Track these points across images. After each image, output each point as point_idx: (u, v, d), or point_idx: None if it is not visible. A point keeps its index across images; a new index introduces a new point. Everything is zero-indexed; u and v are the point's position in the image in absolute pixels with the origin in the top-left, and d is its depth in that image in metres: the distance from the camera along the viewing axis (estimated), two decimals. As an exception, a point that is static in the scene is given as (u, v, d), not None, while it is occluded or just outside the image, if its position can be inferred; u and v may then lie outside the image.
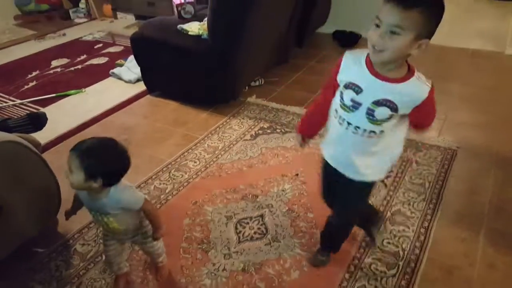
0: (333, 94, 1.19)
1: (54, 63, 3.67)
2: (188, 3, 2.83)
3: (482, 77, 3.04)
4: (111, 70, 3.33)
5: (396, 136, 1.17)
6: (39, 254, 1.69)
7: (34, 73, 3.46)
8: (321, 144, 1.33)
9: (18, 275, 1.60)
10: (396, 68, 1.04)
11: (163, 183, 2.06)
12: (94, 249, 1.70)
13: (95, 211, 1.29)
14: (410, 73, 1.05)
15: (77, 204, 1.38)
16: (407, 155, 2.18)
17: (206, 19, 2.49)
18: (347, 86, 1.11)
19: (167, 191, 2.01)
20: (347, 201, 1.36)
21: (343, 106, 1.13)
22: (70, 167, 1.16)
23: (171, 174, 2.13)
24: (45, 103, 2.94)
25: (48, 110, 2.62)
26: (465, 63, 3.31)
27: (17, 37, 4.42)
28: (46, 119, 2.08)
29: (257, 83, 3.04)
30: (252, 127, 2.51)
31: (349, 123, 1.13)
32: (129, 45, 2.86)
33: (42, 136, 2.03)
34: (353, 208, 1.41)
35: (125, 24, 4.66)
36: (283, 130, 2.46)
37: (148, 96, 2.98)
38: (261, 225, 1.78)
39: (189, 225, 1.79)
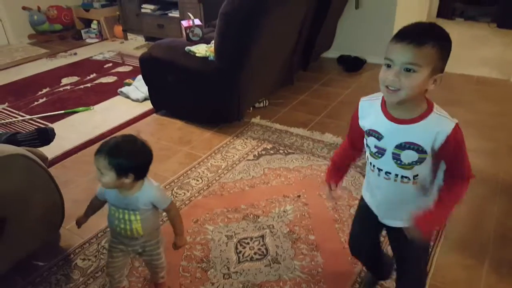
0: (362, 140, 1.16)
1: (64, 80, 3.75)
2: (197, 26, 2.90)
3: (487, 104, 3.06)
4: (119, 89, 3.39)
5: (431, 182, 1.11)
6: (39, 267, 1.69)
7: (44, 90, 3.53)
8: (363, 189, 1.29)
9: (17, 288, 1.60)
10: (414, 107, 1.01)
11: (166, 201, 2.07)
12: (94, 264, 1.70)
13: (123, 209, 1.30)
14: (429, 109, 1.02)
15: (91, 209, 1.40)
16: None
17: (213, 41, 2.55)
18: (369, 133, 1.09)
19: (169, 209, 2.01)
20: (406, 254, 1.23)
21: (371, 152, 1.11)
22: (99, 169, 1.20)
23: (173, 192, 2.14)
24: (54, 119, 2.99)
25: (56, 126, 2.67)
26: (470, 90, 3.33)
27: (29, 55, 4.55)
28: (54, 134, 2.11)
29: (261, 105, 3.08)
30: (256, 147, 2.53)
31: (379, 169, 1.10)
32: (138, 65, 2.93)
33: (50, 151, 2.06)
34: (415, 263, 1.25)
35: (135, 45, 4.77)
36: (286, 151, 2.47)
37: (154, 114, 3.02)
38: (262, 245, 1.77)
39: (189, 244, 1.79)
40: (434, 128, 1.00)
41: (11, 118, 3.02)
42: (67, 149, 2.56)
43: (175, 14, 4.42)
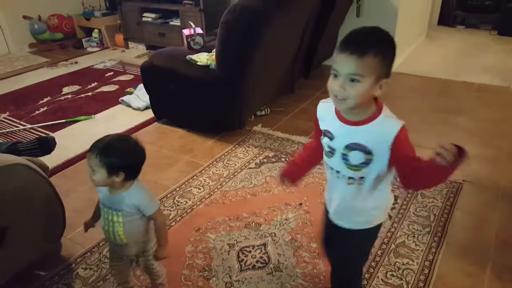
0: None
1: (65, 89, 3.76)
2: (198, 34, 2.92)
3: (488, 111, 3.06)
4: (121, 98, 3.40)
5: (380, 187, 1.13)
6: (41, 277, 1.68)
7: (45, 99, 3.54)
8: (326, 193, 1.32)
9: (18, 298, 1.59)
10: (363, 111, 1.04)
11: (167, 209, 2.07)
12: (96, 274, 1.69)
13: (108, 208, 1.29)
14: (377, 111, 1.05)
15: (98, 212, 1.39)
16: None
17: (214, 50, 2.56)
18: (324, 133, 1.13)
19: (170, 217, 2.01)
20: (342, 253, 1.31)
21: (325, 152, 1.15)
22: (91, 167, 1.21)
23: (175, 200, 2.13)
24: (55, 128, 3.00)
25: (57, 135, 2.68)
26: (471, 97, 3.34)
27: (30, 64, 4.57)
28: (55, 143, 2.12)
29: (263, 113, 3.08)
30: (257, 155, 2.53)
31: (331, 168, 1.15)
32: (139, 73, 2.94)
33: (50, 160, 2.06)
34: (349, 263, 1.32)
35: (136, 54, 4.79)
36: (288, 159, 2.47)
37: (155, 123, 3.03)
38: (264, 254, 1.77)
39: (191, 252, 1.79)
40: (382, 130, 1.03)
41: (12, 127, 3.02)
42: (68, 158, 2.56)
43: (176, 22, 4.45)
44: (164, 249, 1.37)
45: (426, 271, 1.66)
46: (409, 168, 1.06)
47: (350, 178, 1.11)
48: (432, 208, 2.02)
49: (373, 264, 1.70)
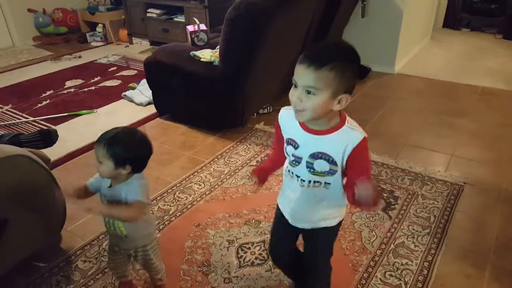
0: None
1: (68, 83, 3.77)
2: (202, 31, 2.92)
3: (491, 114, 3.06)
4: (123, 93, 3.41)
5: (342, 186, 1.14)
6: (40, 268, 1.68)
7: (48, 92, 3.55)
8: (279, 198, 1.32)
9: (18, 289, 1.60)
10: (325, 122, 1.04)
11: (168, 205, 2.07)
12: (95, 266, 1.70)
13: (109, 199, 1.29)
14: (341, 122, 1.05)
15: (83, 193, 1.33)
16: (413, 188, 2.17)
17: (218, 46, 2.56)
18: (288, 142, 1.13)
19: (170, 212, 2.02)
20: (313, 254, 1.34)
21: (290, 161, 1.14)
22: (98, 158, 1.21)
23: (175, 196, 2.14)
24: (57, 121, 3.00)
25: (59, 128, 2.69)
26: (474, 100, 3.34)
27: (34, 57, 4.57)
28: (57, 136, 2.12)
29: (265, 111, 3.08)
30: (259, 153, 2.53)
31: (297, 176, 1.14)
32: (143, 69, 2.94)
33: (52, 153, 2.07)
34: (321, 261, 1.36)
35: (140, 49, 4.79)
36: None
37: (158, 119, 3.03)
38: (263, 251, 1.77)
39: (190, 247, 1.79)
40: (345, 140, 1.04)
41: (15, 120, 3.03)
42: (70, 151, 2.57)
43: (180, 19, 4.45)
44: (105, 210, 1.29)
45: (425, 271, 1.66)
46: (355, 180, 1.05)
47: (316, 182, 1.11)
48: (432, 210, 2.01)
49: (372, 263, 1.70)
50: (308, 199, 1.17)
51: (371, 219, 1.95)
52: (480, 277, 1.65)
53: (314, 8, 2.89)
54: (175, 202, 2.09)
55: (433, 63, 4.19)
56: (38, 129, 2.75)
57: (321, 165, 1.07)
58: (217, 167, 2.39)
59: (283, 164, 1.24)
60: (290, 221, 1.26)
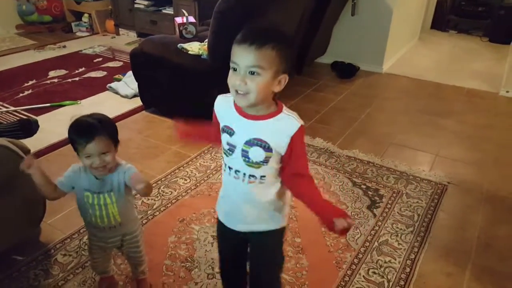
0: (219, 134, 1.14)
1: (52, 73, 3.69)
2: (190, 23, 2.88)
3: (476, 116, 3.10)
4: (109, 84, 3.35)
5: (281, 187, 1.11)
6: (18, 262, 1.64)
7: (30, 82, 3.46)
8: (216, 205, 1.24)
9: (-6, 283, 1.55)
10: (263, 108, 1.03)
11: (152, 199, 2.04)
12: (75, 260, 1.66)
13: (99, 193, 1.26)
14: (278, 109, 1.04)
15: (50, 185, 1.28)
16: (398, 187, 2.19)
17: (207, 40, 2.53)
18: (223, 129, 1.09)
19: (154, 207, 1.99)
20: (257, 261, 1.25)
21: (224, 150, 1.10)
22: (102, 151, 1.17)
23: (160, 190, 2.11)
24: (39, 112, 2.93)
25: (41, 119, 2.61)
26: (460, 101, 3.37)
27: (16, 45, 4.46)
28: (38, 126, 2.07)
29: (252, 106, 3.06)
30: (245, 149, 2.51)
31: (230, 168, 1.09)
32: (129, 61, 2.89)
33: (34, 144, 2.02)
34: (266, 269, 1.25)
35: (126, 41, 4.72)
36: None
37: (143, 112, 2.99)
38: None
39: (174, 243, 1.76)
40: (282, 127, 1.03)
41: (-5, 109, 2.95)
42: (52, 142, 2.50)
43: (169, 11, 4.39)
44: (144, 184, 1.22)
45: (408, 269, 1.67)
46: (294, 172, 1.06)
47: (251, 176, 1.07)
48: (416, 208, 2.03)
49: (356, 261, 1.70)
50: (244, 195, 1.11)
51: (355, 217, 1.95)
52: (461, 275, 1.66)
53: (304, 5, 2.88)
54: (159, 197, 2.06)
55: (421, 64, 4.22)
56: (18, 118, 2.68)
57: (256, 153, 1.03)
58: (203, 162, 2.37)
59: (209, 140, 1.24)
60: (224, 221, 1.19)
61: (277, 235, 1.20)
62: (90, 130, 1.16)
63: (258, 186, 1.08)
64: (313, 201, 1.08)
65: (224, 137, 1.09)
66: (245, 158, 1.05)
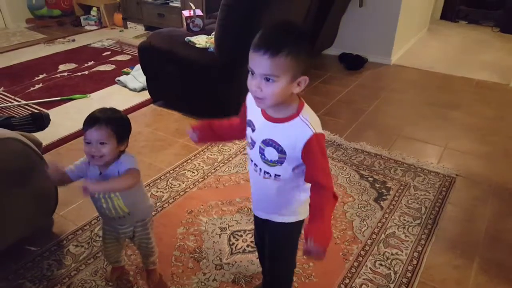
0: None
1: (62, 67, 3.72)
2: (198, 16, 2.88)
3: (485, 107, 3.07)
4: (117, 78, 3.37)
5: (299, 185, 1.12)
6: (31, 252, 1.68)
7: (41, 76, 3.50)
8: None
9: (9, 272, 1.59)
10: (283, 108, 1.02)
11: (160, 191, 2.07)
12: (87, 251, 1.70)
13: None
14: (297, 112, 1.02)
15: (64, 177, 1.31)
16: (405, 180, 2.19)
17: (213, 33, 2.53)
18: (248, 123, 1.13)
19: (163, 199, 2.01)
20: (270, 248, 1.30)
21: (247, 142, 1.14)
22: (100, 139, 1.21)
23: (168, 183, 2.13)
24: (50, 105, 2.97)
25: (52, 113, 2.63)
26: (469, 92, 3.34)
27: (27, 39, 4.51)
28: (49, 120, 2.10)
29: (260, 99, 3.06)
30: (253, 141, 2.53)
31: (251, 160, 1.14)
32: (137, 54, 2.91)
33: (44, 137, 2.05)
34: (277, 259, 1.32)
35: (134, 34, 4.74)
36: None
37: (151, 105, 3.01)
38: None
39: (182, 234, 1.79)
40: (294, 133, 1.02)
41: (6, 103, 2.99)
42: (62, 136, 2.55)
43: (176, 4, 4.39)
44: (104, 186, 1.24)
45: (415, 262, 1.67)
46: (312, 179, 1.05)
47: (266, 173, 1.10)
48: (424, 201, 2.03)
49: (362, 253, 1.71)
50: (261, 188, 1.17)
51: (362, 209, 1.96)
52: (468, 268, 1.67)
53: (311, -4, 2.87)
54: (168, 189, 2.09)
55: (430, 55, 4.18)
56: (30, 112, 2.72)
57: (270, 153, 1.06)
58: (211, 155, 2.39)
59: (233, 137, 1.26)
60: (253, 209, 1.27)
61: (290, 228, 1.22)
62: (93, 118, 1.23)
63: (273, 182, 1.11)
64: (315, 216, 1.03)
65: (248, 131, 1.13)
66: (262, 155, 1.08)
